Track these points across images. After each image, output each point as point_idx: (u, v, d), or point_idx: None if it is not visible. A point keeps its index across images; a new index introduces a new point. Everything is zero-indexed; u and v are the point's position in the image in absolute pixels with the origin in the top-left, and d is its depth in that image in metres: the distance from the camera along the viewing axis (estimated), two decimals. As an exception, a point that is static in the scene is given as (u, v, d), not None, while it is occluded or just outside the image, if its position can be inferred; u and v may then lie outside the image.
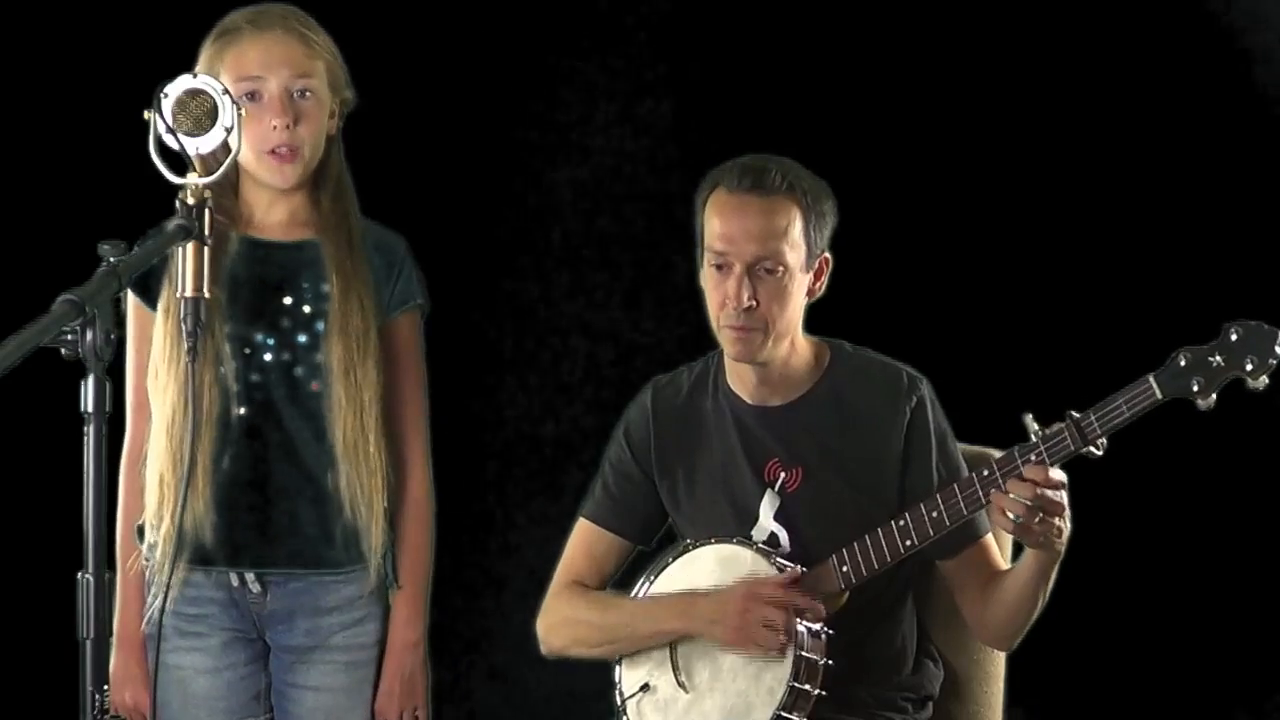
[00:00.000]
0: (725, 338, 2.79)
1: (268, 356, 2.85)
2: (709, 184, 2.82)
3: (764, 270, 2.74)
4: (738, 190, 2.77)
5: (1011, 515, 2.57)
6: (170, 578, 2.80)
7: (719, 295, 2.76)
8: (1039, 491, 2.55)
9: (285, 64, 2.81)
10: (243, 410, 2.84)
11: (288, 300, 2.87)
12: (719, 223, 2.77)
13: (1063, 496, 2.57)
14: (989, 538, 2.79)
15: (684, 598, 2.81)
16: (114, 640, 2.84)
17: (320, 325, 2.86)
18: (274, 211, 2.89)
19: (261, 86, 2.80)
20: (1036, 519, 2.56)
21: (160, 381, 2.82)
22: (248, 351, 2.85)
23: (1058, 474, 2.57)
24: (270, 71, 2.81)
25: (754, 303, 2.73)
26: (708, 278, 2.79)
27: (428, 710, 2.96)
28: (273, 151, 2.81)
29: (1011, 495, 2.56)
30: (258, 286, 2.86)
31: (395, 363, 2.91)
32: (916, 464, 2.78)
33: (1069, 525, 2.61)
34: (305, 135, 2.82)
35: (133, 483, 2.88)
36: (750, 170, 2.78)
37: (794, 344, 2.82)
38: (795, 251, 2.75)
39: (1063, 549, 2.63)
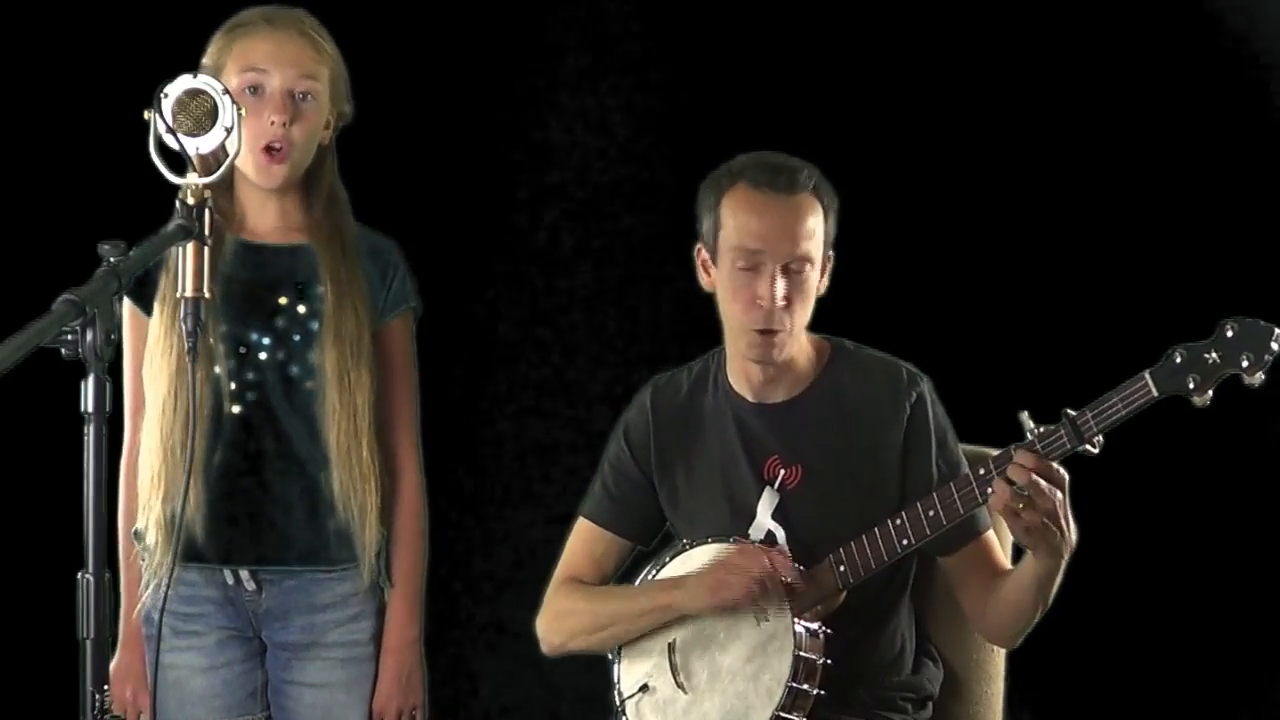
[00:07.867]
0: (750, 341, 2.74)
1: (263, 355, 2.86)
2: (723, 181, 2.77)
3: (793, 269, 2.72)
4: (767, 189, 2.73)
5: (1004, 504, 2.55)
6: (171, 574, 2.81)
7: (747, 295, 2.72)
8: (1031, 479, 2.53)
9: (292, 63, 2.83)
10: (236, 409, 2.86)
11: (283, 300, 2.88)
12: (750, 220, 2.72)
13: (1057, 495, 2.54)
14: (990, 534, 2.79)
15: (674, 577, 2.82)
16: (120, 638, 2.88)
17: (315, 325, 2.87)
18: (266, 213, 2.90)
19: (265, 80, 2.82)
20: (1021, 506, 2.53)
21: (153, 370, 2.84)
22: (243, 350, 2.86)
23: (1058, 470, 2.56)
24: (276, 67, 2.82)
25: (786, 301, 2.72)
26: (730, 277, 2.75)
27: (424, 710, 2.97)
28: (266, 149, 2.82)
29: (1002, 482, 2.55)
30: (252, 287, 2.87)
31: (389, 366, 2.93)
32: (916, 461, 2.78)
33: (1073, 534, 2.58)
34: (298, 137, 2.83)
35: (132, 486, 2.90)
36: (778, 168, 2.73)
37: (799, 341, 2.81)
38: (818, 250, 2.75)
39: (1065, 558, 2.60)
